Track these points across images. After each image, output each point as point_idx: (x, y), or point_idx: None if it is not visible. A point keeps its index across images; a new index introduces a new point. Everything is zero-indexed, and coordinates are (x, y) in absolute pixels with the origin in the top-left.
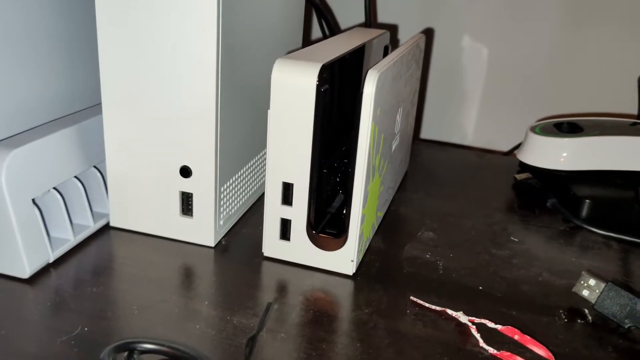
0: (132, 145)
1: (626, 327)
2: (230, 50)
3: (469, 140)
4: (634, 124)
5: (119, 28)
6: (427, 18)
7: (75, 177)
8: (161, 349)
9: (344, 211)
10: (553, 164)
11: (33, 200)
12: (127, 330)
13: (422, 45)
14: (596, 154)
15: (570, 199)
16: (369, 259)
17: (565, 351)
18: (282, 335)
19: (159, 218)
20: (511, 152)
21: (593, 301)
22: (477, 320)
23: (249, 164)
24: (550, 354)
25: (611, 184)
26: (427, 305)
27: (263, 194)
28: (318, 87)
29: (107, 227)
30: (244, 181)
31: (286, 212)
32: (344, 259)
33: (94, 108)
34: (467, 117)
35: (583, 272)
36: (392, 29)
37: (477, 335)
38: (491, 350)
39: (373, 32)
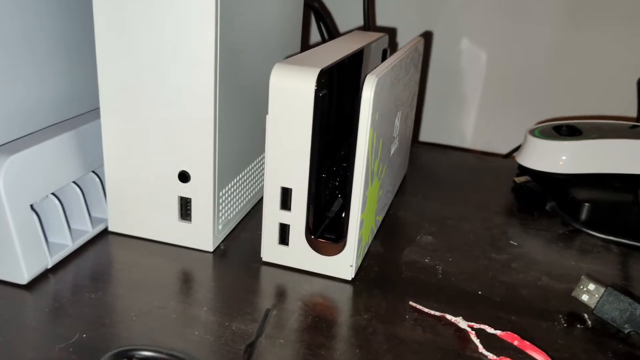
0: (131, 150)
1: (626, 332)
2: (229, 55)
3: (468, 143)
4: (633, 126)
5: (117, 33)
6: (425, 21)
7: (74, 182)
8: (160, 357)
9: (343, 215)
10: (552, 167)
11: (31, 205)
12: (126, 336)
13: (421, 48)
14: (595, 157)
15: (569, 202)
16: (368, 264)
17: (564, 356)
18: (281, 341)
19: (157, 223)
20: (510, 155)
21: (592, 306)
22: (476, 325)
23: (248, 169)
24: None
25: (610, 187)
26: (426, 310)
27: (262, 199)
28: (316, 92)
29: (105, 232)
30: (242, 186)
31: (285, 217)
32: (343, 264)
33: (92, 113)
34: (466, 120)
35: (582, 277)
36: (391, 32)
37: (477, 341)
38: (490, 356)
39: (372, 36)
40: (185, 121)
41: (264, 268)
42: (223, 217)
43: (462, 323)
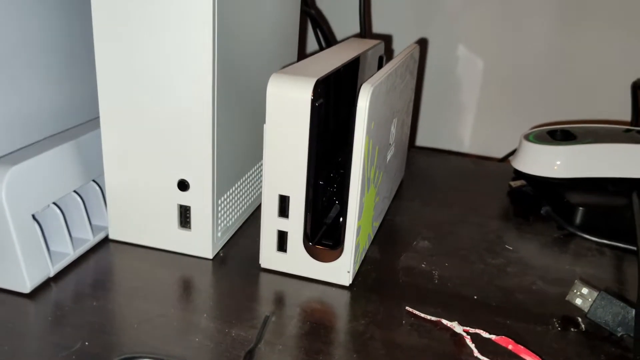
0: (130, 159)
1: (618, 335)
2: (226, 64)
3: (465, 148)
4: (628, 130)
5: (116, 43)
6: (421, 28)
7: (75, 191)
8: None
9: (340, 221)
10: (547, 171)
11: (33, 215)
12: (128, 344)
13: (417, 55)
14: (590, 162)
15: (564, 206)
16: (365, 269)
17: None
18: (280, 347)
19: (157, 231)
20: (505, 159)
21: (586, 310)
22: (471, 330)
23: (246, 176)
24: None
25: (604, 191)
26: (422, 315)
27: (260, 206)
28: (313, 101)
29: (106, 240)
30: (240, 193)
31: (283, 224)
32: (340, 270)
33: (92, 122)
34: (463, 125)
35: (576, 281)
36: (387, 39)
37: (472, 346)
38: None
39: (368, 43)
40: (184, 130)
41: (262, 275)
42: (222, 225)
43: (458, 328)
